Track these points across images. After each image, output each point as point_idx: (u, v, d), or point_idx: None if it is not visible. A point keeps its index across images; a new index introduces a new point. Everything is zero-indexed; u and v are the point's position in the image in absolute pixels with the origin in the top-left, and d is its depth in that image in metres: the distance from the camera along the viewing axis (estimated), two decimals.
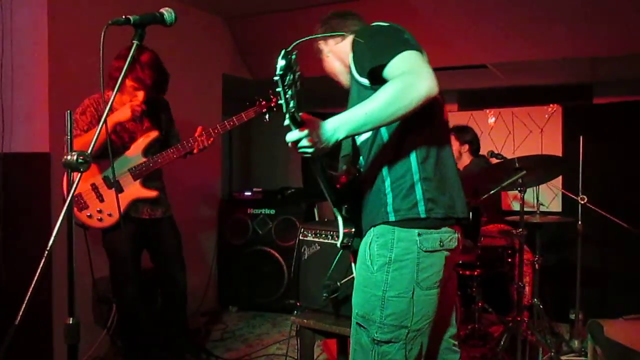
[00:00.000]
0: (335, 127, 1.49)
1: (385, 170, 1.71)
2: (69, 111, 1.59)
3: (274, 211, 4.66)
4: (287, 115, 1.39)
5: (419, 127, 1.68)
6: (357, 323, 1.73)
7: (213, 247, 4.77)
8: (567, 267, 4.23)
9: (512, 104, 5.43)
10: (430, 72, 1.52)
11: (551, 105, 5.27)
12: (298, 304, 3.00)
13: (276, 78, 1.34)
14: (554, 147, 5.21)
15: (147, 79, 2.73)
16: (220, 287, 4.83)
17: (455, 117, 5.71)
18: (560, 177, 4.60)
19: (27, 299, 1.30)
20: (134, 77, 2.71)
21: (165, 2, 1.85)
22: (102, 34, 1.58)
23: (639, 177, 4.60)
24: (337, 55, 1.98)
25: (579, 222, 3.63)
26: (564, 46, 3.96)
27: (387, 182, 1.70)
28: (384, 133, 1.73)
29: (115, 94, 1.68)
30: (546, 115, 5.30)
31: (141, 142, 2.93)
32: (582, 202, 3.60)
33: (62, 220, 1.47)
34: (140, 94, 2.79)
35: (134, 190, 2.88)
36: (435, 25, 4.15)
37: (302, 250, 2.99)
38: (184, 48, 4.25)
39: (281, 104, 1.38)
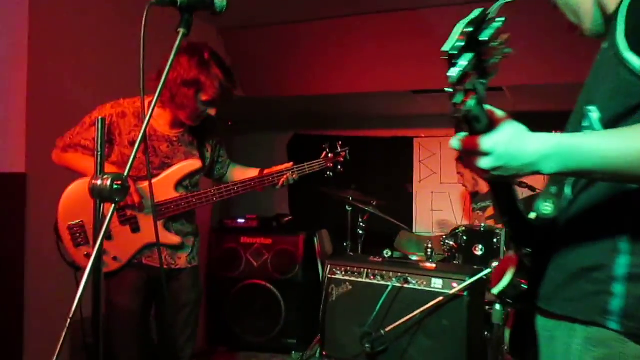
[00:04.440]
0: (545, 153, 0.94)
1: (623, 239, 1.06)
2: (100, 118, 1.17)
3: (270, 241, 4.23)
4: (463, 111, 0.89)
5: None
6: None
7: (201, 280, 4.29)
8: None
9: None
10: None
11: (555, 131, 5.10)
12: (324, 353, 2.59)
13: (449, 48, 0.86)
14: None
15: (221, 95, 2.20)
16: (208, 324, 4.35)
17: None
18: None
19: None
20: (204, 86, 2.15)
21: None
22: (145, 14, 1.22)
23: None
24: None
25: None
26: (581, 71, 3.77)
27: (623, 261, 1.05)
28: None
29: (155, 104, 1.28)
30: None
31: (176, 172, 2.28)
32: None
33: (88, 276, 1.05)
34: (213, 111, 2.24)
35: (152, 232, 2.05)
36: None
37: (330, 290, 2.60)
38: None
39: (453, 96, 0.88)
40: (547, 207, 1.18)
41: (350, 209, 3.88)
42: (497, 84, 4.11)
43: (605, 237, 1.07)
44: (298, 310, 4.13)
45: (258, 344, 4.17)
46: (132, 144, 2.19)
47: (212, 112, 2.23)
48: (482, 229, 3.13)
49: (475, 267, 2.88)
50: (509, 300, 1.29)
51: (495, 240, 3.05)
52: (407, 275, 2.42)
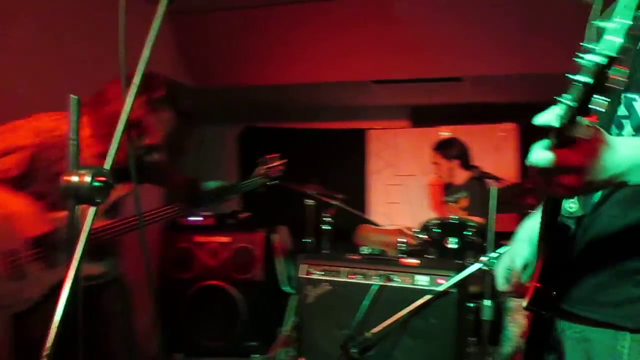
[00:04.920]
0: (637, 162, 0.83)
1: None
2: (75, 97, 0.94)
3: (229, 239, 4.00)
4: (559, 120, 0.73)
5: None
6: None
7: (153, 283, 4.00)
8: None
9: (467, 121, 5.24)
10: None
11: (506, 123, 5.15)
12: (302, 359, 2.42)
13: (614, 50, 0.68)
14: (509, 165, 5.08)
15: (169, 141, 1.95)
16: (162, 331, 4.05)
17: (408, 134, 5.44)
18: None
19: None
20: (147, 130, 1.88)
21: None
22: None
23: None
24: None
25: None
26: (545, 61, 3.78)
27: None
28: None
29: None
30: (501, 134, 5.17)
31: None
32: None
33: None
34: (157, 157, 1.98)
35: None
36: (413, 33, 3.80)
37: (306, 291, 2.43)
38: (114, 43, 3.52)
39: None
40: (572, 205, 1.04)
41: (312, 203, 3.72)
42: (458, 74, 4.07)
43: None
44: (259, 311, 3.93)
45: (217, 349, 3.93)
46: (56, 176, 1.75)
47: (156, 157, 1.96)
48: (455, 222, 3.06)
49: (459, 261, 2.79)
50: (542, 311, 1.16)
51: (468, 233, 2.98)
52: (389, 272, 2.28)
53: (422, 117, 5.46)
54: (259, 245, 3.97)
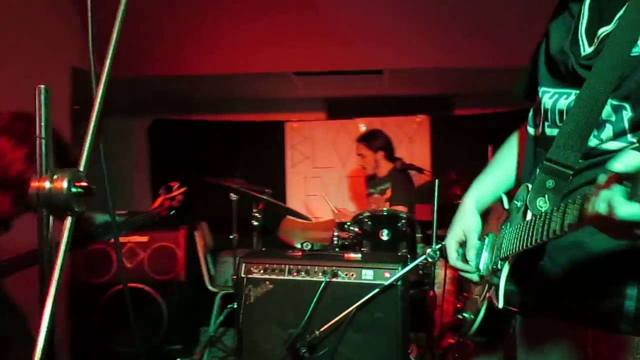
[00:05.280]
0: None
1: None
2: (43, 87, 0.80)
3: (146, 238, 3.77)
4: None
5: None
6: None
7: (64, 290, 3.68)
8: None
9: (382, 113, 5.35)
10: None
11: (419, 115, 5.32)
12: None
13: None
14: (423, 156, 5.26)
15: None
16: (74, 339, 3.75)
17: (325, 127, 5.44)
18: None
19: None
20: None
21: None
22: None
23: None
24: None
25: None
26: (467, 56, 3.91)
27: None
28: None
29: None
30: (415, 125, 5.33)
31: None
32: None
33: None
34: None
35: None
36: (336, 24, 3.78)
37: (248, 291, 2.33)
38: (22, 30, 3.18)
39: None
40: (543, 204, 1.05)
41: (236, 198, 3.60)
42: (379, 66, 4.12)
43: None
44: (182, 313, 3.76)
45: (137, 355, 3.70)
46: None
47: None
48: (386, 214, 3.09)
49: (400, 254, 2.83)
50: (513, 309, 1.18)
51: (399, 224, 3.02)
52: (335, 268, 2.25)
53: (338, 109, 5.49)
54: (180, 243, 3.78)
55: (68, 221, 0.76)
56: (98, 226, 2.04)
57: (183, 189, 2.36)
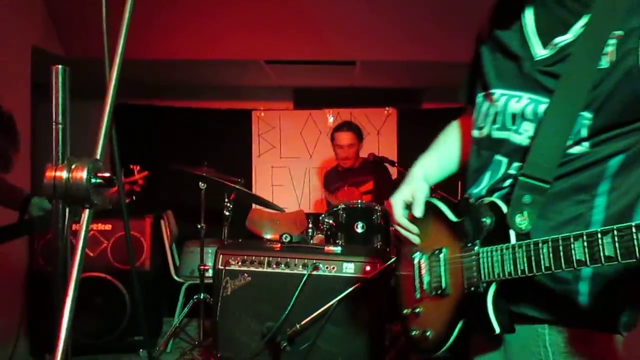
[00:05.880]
0: None
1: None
2: (60, 67, 0.74)
3: (109, 226, 3.63)
4: None
5: None
6: None
7: (21, 280, 3.52)
8: None
9: (350, 104, 5.34)
10: None
11: (387, 108, 5.34)
12: (219, 355, 2.28)
13: None
14: (389, 149, 5.29)
15: None
16: (32, 331, 3.59)
17: (293, 116, 5.39)
18: None
19: None
20: None
21: None
22: None
23: None
24: None
25: None
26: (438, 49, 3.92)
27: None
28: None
29: None
30: (383, 118, 5.35)
31: None
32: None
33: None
34: None
35: None
36: (311, 14, 3.73)
37: (225, 283, 2.28)
38: None
39: None
40: (522, 222, 1.04)
41: (204, 187, 3.52)
42: (352, 57, 4.09)
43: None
44: (145, 304, 3.65)
45: (99, 346, 3.58)
46: None
47: None
48: (361, 207, 3.08)
49: (378, 246, 2.82)
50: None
51: (374, 217, 3.02)
52: (315, 261, 2.23)
53: (306, 99, 5.44)
54: (145, 232, 3.67)
55: (86, 214, 0.70)
56: (38, 215, 1.94)
57: (145, 173, 2.27)
